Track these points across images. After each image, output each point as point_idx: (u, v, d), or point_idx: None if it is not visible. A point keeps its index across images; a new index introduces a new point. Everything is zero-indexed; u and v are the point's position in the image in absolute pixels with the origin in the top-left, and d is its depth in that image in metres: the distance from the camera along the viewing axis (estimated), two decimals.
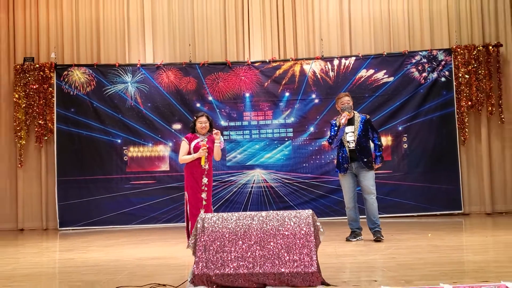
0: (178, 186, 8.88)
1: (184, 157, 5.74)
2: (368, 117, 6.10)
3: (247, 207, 9.03)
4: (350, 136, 5.98)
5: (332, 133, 6.02)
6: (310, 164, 9.17)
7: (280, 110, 9.30)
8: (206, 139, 5.79)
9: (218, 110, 9.24)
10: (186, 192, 5.75)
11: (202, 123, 5.82)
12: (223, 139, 6.09)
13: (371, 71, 9.24)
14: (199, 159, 5.68)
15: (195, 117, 5.92)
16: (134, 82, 9.31)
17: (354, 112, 6.08)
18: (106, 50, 9.51)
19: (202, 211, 5.56)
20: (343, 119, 5.89)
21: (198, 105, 9.28)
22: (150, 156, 9.24)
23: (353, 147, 5.99)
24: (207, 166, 5.69)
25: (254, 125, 9.30)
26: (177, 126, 9.28)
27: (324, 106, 9.20)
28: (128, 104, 9.27)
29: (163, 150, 9.26)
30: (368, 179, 5.94)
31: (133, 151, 9.26)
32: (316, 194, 9.09)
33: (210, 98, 9.31)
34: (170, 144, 9.27)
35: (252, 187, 9.12)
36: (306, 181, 9.10)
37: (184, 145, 5.80)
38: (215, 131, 5.74)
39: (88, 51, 9.50)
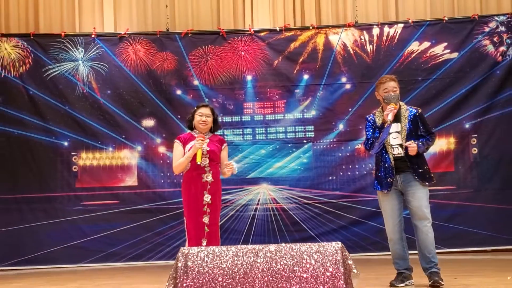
0: (150, 208, 9.16)
1: (177, 163, 5.85)
2: (419, 111, 6.05)
3: (249, 238, 9.08)
4: (395, 138, 5.95)
5: (369, 135, 6.04)
6: (339, 177, 9.23)
7: (296, 99, 9.34)
8: (208, 141, 5.88)
9: (207, 100, 9.23)
10: (184, 215, 5.93)
11: (202, 115, 5.89)
12: (236, 166, 6.24)
13: (426, 44, 9.29)
14: (197, 168, 5.79)
15: (195, 108, 6.05)
16: (88, 60, 9.36)
17: (401, 103, 6.02)
18: (47, 14, 9.57)
19: (204, 242, 5.67)
20: (389, 114, 5.83)
21: (178, 92, 9.37)
22: (110, 166, 9.29)
23: (399, 153, 5.93)
24: (207, 162, 5.78)
25: (259, 121, 9.34)
26: (148, 123, 9.36)
27: (359, 93, 9.24)
28: (78, 91, 9.32)
29: (129, 156, 9.32)
30: (420, 198, 5.85)
31: (86, 159, 9.28)
32: (348, 220, 9.11)
33: (196, 82, 9.35)
34: (139, 148, 9.33)
35: (256, 210, 9.17)
36: (333, 201, 9.15)
37: (177, 148, 5.92)
38: (227, 162, 5.86)
39: (22, 16, 9.55)
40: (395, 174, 5.88)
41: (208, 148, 5.81)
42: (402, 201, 5.99)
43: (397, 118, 5.92)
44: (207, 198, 5.76)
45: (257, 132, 9.37)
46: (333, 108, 9.33)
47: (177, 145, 5.91)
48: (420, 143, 5.82)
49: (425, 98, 9.09)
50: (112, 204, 9.21)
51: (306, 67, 9.37)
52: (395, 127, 5.91)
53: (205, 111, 5.93)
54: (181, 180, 5.98)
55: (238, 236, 9.07)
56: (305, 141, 9.32)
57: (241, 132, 9.37)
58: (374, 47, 9.35)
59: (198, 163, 5.67)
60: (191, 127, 5.98)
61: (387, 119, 5.77)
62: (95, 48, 9.37)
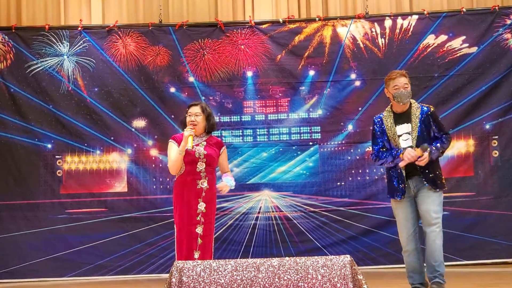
0: (141, 217, 9.14)
1: (172, 160, 5.91)
2: (432, 109, 6.07)
3: (249, 249, 9.08)
4: (406, 140, 5.99)
5: (376, 148, 6.10)
6: (348, 182, 9.24)
7: (301, 97, 9.36)
8: (205, 143, 5.97)
9: (204, 98, 9.22)
10: (174, 224, 5.93)
11: (191, 114, 5.98)
12: (233, 182, 6.13)
13: (443, 38, 9.29)
14: (191, 172, 5.85)
15: (187, 107, 6.14)
16: (73, 55, 9.38)
17: (412, 101, 6.07)
18: (30, 5, 9.60)
19: (196, 255, 5.70)
20: (407, 156, 5.81)
21: (172, 89, 9.38)
22: (98, 170, 9.30)
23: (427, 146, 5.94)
24: (203, 167, 5.86)
25: (261, 121, 9.36)
26: (139, 123, 9.39)
27: (370, 91, 9.25)
28: (63, 88, 9.35)
29: (118, 160, 9.33)
30: (430, 203, 5.90)
31: (71, 162, 9.29)
32: (358, 230, 9.12)
33: (192, 79, 9.37)
34: (129, 150, 9.34)
35: (257, 219, 9.18)
36: (342, 209, 9.15)
37: (171, 148, 5.99)
38: (223, 182, 5.94)
39: (3, 7, 9.58)
40: (406, 179, 5.93)
41: (206, 152, 5.87)
42: (417, 209, 6.00)
43: (407, 118, 5.97)
44: (201, 206, 5.80)
45: (258, 133, 9.38)
46: (342, 107, 9.33)
47: (172, 144, 5.96)
48: (434, 149, 5.84)
49: (441, 96, 9.12)
50: (100, 212, 9.20)
51: (312, 62, 9.37)
52: (405, 127, 5.95)
53: (194, 109, 6.01)
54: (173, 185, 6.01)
55: (237, 247, 9.07)
56: (311, 143, 9.33)
57: (240, 133, 9.37)
58: (386, 41, 9.34)
59: (189, 148, 5.70)
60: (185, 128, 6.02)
61: (400, 164, 5.85)
62: (81, 42, 9.37)
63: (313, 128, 9.34)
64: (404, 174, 5.90)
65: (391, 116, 5.98)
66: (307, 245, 9.09)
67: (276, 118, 9.38)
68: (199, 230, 5.75)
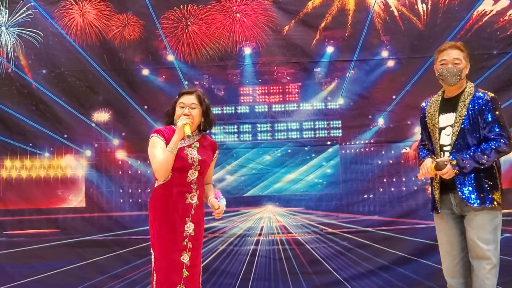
0: (104, 240, 8.78)
1: (161, 159, 5.59)
2: (491, 96, 5.79)
3: (247, 283, 8.72)
4: (448, 135, 5.89)
5: (421, 149, 6.08)
6: (378, 194, 8.86)
7: (316, 82, 9.01)
8: (198, 144, 5.76)
9: (187, 83, 8.97)
10: (152, 250, 5.71)
11: (184, 106, 5.74)
12: (224, 202, 5.91)
13: (504, 3, 8.77)
14: (179, 183, 5.59)
15: (177, 96, 5.94)
16: (14, 26, 9.00)
17: (469, 85, 5.89)
18: None
19: None
20: (422, 168, 5.77)
21: (145, 72, 9.03)
22: (47, 179, 8.96)
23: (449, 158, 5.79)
24: (195, 176, 5.65)
25: (262, 113, 9.07)
26: (102, 117, 9.02)
27: (407, 74, 8.79)
28: (2, 70, 8.97)
29: (74, 165, 9.03)
30: (479, 227, 5.70)
31: (11, 168, 8.96)
32: (390, 258, 8.66)
33: (171, 57, 9.05)
34: (88, 152, 9.05)
35: (257, 243, 8.84)
36: (370, 229, 8.80)
37: (158, 143, 5.70)
38: (220, 201, 5.78)
39: None
40: (446, 192, 5.86)
41: (200, 157, 5.70)
42: (463, 227, 5.93)
43: (453, 106, 5.89)
44: (189, 228, 5.58)
45: (259, 129, 9.09)
46: (370, 95, 8.94)
47: (157, 139, 5.69)
48: (464, 159, 5.64)
49: (502, 80, 8.60)
50: (50, 234, 8.88)
51: (330, 36, 8.98)
52: (450, 118, 5.86)
53: (188, 99, 5.77)
54: (148, 199, 5.88)
55: (231, 281, 8.73)
56: (329, 143, 9.02)
57: (235, 130, 9.10)
58: (429, 7, 8.87)
59: (188, 133, 5.55)
60: (172, 121, 5.84)
61: (418, 175, 5.96)
62: (24, 8, 9.00)
63: (332, 123, 9.03)
64: (435, 187, 5.89)
65: (439, 101, 5.92)
66: (323, 277, 8.67)
67: (282, 109, 9.08)
68: (185, 258, 5.54)
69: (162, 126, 5.93)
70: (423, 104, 6.08)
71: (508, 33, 8.75)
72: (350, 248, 8.68)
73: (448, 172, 5.59)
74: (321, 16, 8.89)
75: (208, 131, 6.10)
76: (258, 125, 9.03)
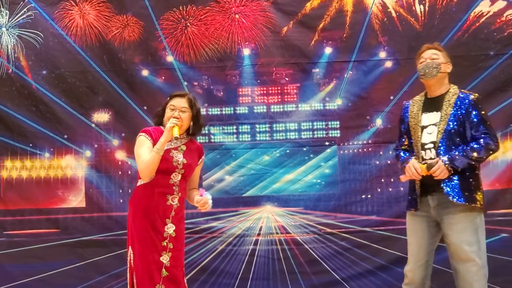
0: (103, 240, 8.79)
1: (147, 159, 5.60)
2: (475, 97, 5.82)
3: (246, 283, 8.72)
4: (430, 133, 5.89)
5: (398, 141, 6.18)
6: (376, 194, 8.85)
7: (315, 83, 9.02)
8: (184, 148, 5.78)
9: (186, 84, 8.99)
10: (130, 248, 5.70)
11: (174, 108, 5.75)
12: (209, 196, 5.92)
13: (501, 4, 8.75)
14: (161, 184, 5.62)
15: (168, 98, 5.95)
16: (14, 27, 9.01)
17: (452, 87, 5.91)
18: None
19: None
20: (408, 170, 5.78)
21: (144, 73, 9.04)
22: (47, 179, 8.96)
23: (432, 158, 5.77)
24: (178, 178, 5.69)
25: (261, 113, 9.08)
26: (102, 117, 9.04)
27: (405, 75, 8.72)
28: (2, 71, 8.98)
29: (74, 165, 9.03)
30: (461, 230, 5.67)
31: (12, 168, 8.97)
32: (388, 258, 8.62)
33: (170, 58, 9.05)
34: (88, 153, 9.05)
35: (256, 243, 8.83)
36: (368, 230, 8.78)
37: (144, 143, 5.71)
38: (205, 196, 5.75)
39: None
40: (425, 194, 5.85)
41: (185, 161, 5.72)
42: (437, 234, 5.94)
43: (437, 105, 5.91)
44: (169, 229, 5.62)
45: (258, 130, 9.10)
46: (368, 96, 8.94)
47: (145, 139, 5.71)
48: (458, 154, 5.65)
49: (499, 82, 8.58)
50: (50, 234, 8.88)
51: (329, 37, 9.00)
52: (433, 117, 5.88)
53: (179, 102, 5.80)
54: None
55: (230, 281, 8.74)
56: (327, 143, 9.01)
57: (234, 130, 9.09)
58: (426, 8, 8.87)
59: (176, 135, 5.61)
60: (161, 122, 5.89)
61: (401, 177, 5.95)
62: (25, 9, 9.01)
63: (330, 123, 9.02)
64: (416, 186, 5.88)
65: (422, 100, 5.95)
66: (322, 277, 8.68)
67: (281, 110, 9.08)
68: (164, 259, 5.58)
69: (151, 127, 5.94)
70: (406, 102, 6.11)
71: (505, 34, 8.74)
72: (348, 248, 8.70)
73: (443, 172, 5.57)
74: (320, 17, 8.92)
75: (197, 136, 6.14)
76: (257, 126, 9.04)
